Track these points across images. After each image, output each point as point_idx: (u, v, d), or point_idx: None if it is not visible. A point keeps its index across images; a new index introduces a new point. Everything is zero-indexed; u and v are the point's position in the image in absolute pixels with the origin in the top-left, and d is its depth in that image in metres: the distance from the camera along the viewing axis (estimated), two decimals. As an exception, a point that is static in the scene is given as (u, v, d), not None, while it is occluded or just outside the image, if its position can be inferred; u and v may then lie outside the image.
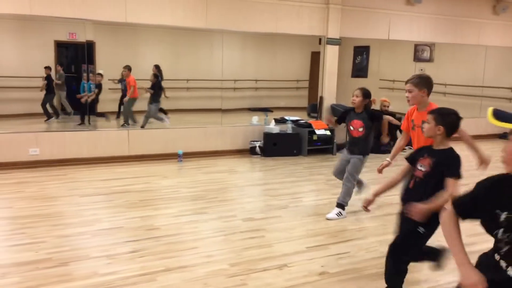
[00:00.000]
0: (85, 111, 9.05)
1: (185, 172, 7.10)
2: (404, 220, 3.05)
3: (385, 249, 4.10)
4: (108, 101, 9.49)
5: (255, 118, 8.91)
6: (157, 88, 9.04)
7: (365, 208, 3.32)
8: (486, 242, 1.89)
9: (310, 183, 6.67)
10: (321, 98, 9.07)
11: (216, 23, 7.84)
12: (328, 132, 8.58)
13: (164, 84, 9.29)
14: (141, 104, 9.02)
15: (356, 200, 5.51)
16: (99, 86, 9.13)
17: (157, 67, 9.66)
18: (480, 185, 1.89)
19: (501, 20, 10.60)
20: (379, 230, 4.65)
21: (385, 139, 5.41)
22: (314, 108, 9.57)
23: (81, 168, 6.94)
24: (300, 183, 6.58)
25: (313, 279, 3.51)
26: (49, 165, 6.94)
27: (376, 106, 8.07)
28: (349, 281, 3.52)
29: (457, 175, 2.82)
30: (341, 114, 5.25)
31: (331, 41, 8.80)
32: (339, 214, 4.96)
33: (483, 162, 3.64)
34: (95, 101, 9.22)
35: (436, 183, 2.88)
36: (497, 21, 10.58)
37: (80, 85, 9.59)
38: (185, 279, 3.46)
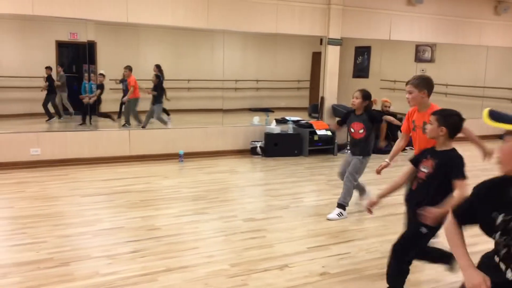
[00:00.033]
0: (86, 111, 9.06)
1: (186, 172, 7.10)
2: (408, 221, 3.06)
3: (386, 250, 4.11)
4: (109, 101, 9.48)
5: (256, 118, 8.91)
6: (159, 89, 9.05)
7: (369, 210, 3.31)
8: (488, 243, 1.89)
9: (311, 183, 6.67)
10: (322, 98, 9.07)
11: (217, 23, 7.85)
12: (329, 133, 8.57)
13: (165, 84, 9.28)
14: (145, 104, 9.03)
15: (357, 200, 5.52)
16: (101, 87, 9.13)
17: (158, 67, 9.66)
18: (476, 189, 1.91)
19: (503, 20, 10.59)
20: (380, 231, 4.65)
21: (382, 143, 5.43)
22: (315, 109, 9.57)
23: (82, 168, 6.95)
24: (301, 184, 6.58)
25: (314, 280, 3.51)
26: (50, 165, 6.95)
27: (377, 107, 8.06)
28: (350, 281, 3.52)
29: (461, 176, 2.82)
30: (343, 117, 5.28)
31: (332, 42, 8.80)
32: (340, 214, 4.96)
33: (487, 154, 3.73)
34: (98, 101, 9.22)
35: (438, 184, 2.89)
36: (499, 21, 10.57)
37: (81, 85, 9.60)
38: (186, 279, 3.46)
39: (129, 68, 8.95)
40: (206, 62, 11.04)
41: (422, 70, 11.10)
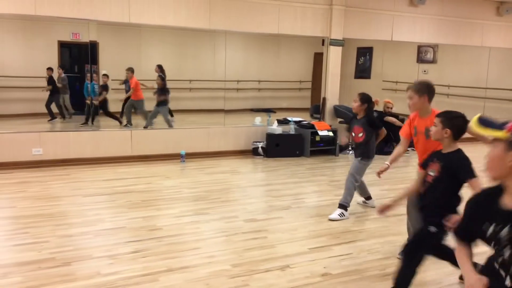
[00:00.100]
0: (89, 111, 9.10)
1: (188, 173, 7.11)
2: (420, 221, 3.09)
3: (387, 251, 4.12)
4: (110, 101, 9.48)
5: (258, 119, 8.91)
6: (164, 90, 9.06)
7: (381, 212, 3.31)
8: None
9: (312, 184, 6.67)
10: (324, 99, 9.07)
11: (219, 23, 7.85)
12: (330, 133, 8.57)
13: (167, 84, 9.29)
14: (150, 104, 9.07)
15: (359, 201, 5.53)
16: (106, 87, 9.14)
17: (160, 67, 9.68)
18: (467, 205, 1.98)
19: (505, 21, 10.57)
20: (381, 232, 4.64)
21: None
22: (317, 109, 9.57)
23: (84, 168, 6.96)
24: (303, 184, 6.57)
25: (315, 280, 3.51)
26: (52, 165, 6.96)
27: (379, 108, 8.06)
28: (351, 282, 3.51)
29: (471, 175, 2.84)
30: (349, 123, 5.37)
31: (334, 42, 8.80)
32: (341, 214, 4.96)
33: None
34: (105, 101, 9.24)
35: (445, 187, 2.91)
36: (501, 22, 10.55)
37: (83, 86, 9.61)
38: (187, 279, 3.46)
39: (131, 70, 9.04)
40: (208, 62, 11.05)
41: (424, 71, 11.10)
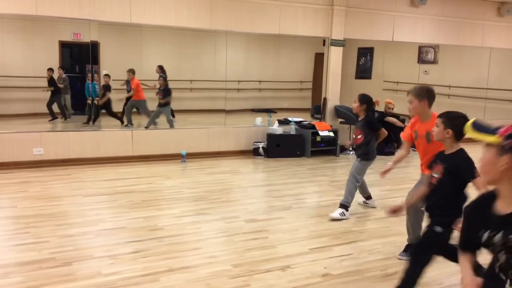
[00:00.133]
0: (91, 111, 9.11)
1: (188, 173, 7.11)
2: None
3: (388, 251, 4.12)
4: (112, 101, 9.48)
5: (259, 119, 8.91)
6: (166, 91, 9.07)
7: (393, 213, 3.31)
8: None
9: (313, 184, 6.66)
10: (325, 99, 9.06)
11: (220, 24, 7.85)
12: (331, 134, 8.57)
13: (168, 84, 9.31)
14: (152, 104, 9.08)
15: (359, 202, 5.52)
16: (108, 87, 9.15)
17: (161, 68, 9.68)
18: (464, 213, 2.02)
19: (506, 22, 10.57)
20: (382, 232, 4.64)
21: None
22: (317, 110, 9.56)
23: (85, 168, 6.96)
24: (303, 184, 6.57)
25: (316, 281, 3.51)
26: (53, 165, 6.96)
27: (380, 108, 8.05)
28: (352, 283, 3.51)
29: (474, 175, 2.84)
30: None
31: (335, 43, 8.79)
32: (342, 214, 4.96)
33: None
34: (109, 101, 9.25)
35: (449, 188, 2.93)
36: (502, 23, 10.54)
37: (84, 85, 9.62)
38: (188, 279, 3.46)
39: (132, 72, 9.07)
40: (209, 62, 11.05)
41: (425, 72, 11.09)
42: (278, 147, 8.26)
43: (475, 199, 1.97)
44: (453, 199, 2.92)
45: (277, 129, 8.47)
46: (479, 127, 1.81)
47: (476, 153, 3.02)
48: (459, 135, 2.92)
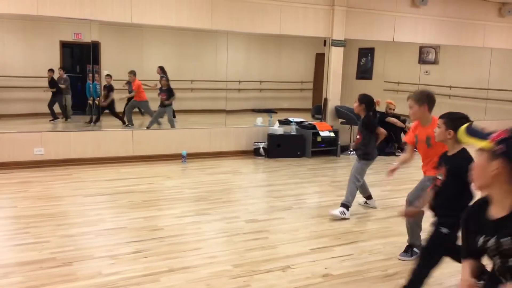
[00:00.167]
0: (92, 111, 9.11)
1: (189, 173, 7.11)
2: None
3: (388, 252, 4.12)
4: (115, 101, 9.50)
5: (259, 119, 8.91)
6: (171, 91, 9.07)
7: (409, 215, 3.31)
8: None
9: (313, 184, 6.66)
10: (326, 99, 9.06)
11: (221, 24, 7.85)
12: (332, 134, 8.56)
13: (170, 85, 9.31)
14: (154, 104, 9.09)
15: (360, 202, 5.52)
16: (111, 88, 9.15)
17: (161, 68, 9.69)
18: (461, 220, 2.05)
19: (507, 22, 10.56)
20: (382, 233, 4.64)
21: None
22: (318, 110, 9.56)
23: (85, 168, 6.96)
24: (304, 185, 6.57)
25: (317, 281, 3.50)
26: (54, 165, 6.96)
27: (381, 108, 8.05)
28: (352, 283, 3.51)
29: None
30: None
31: (336, 43, 8.79)
32: (343, 213, 4.96)
33: None
34: (112, 101, 9.26)
35: (453, 189, 2.93)
36: (503, 23, 10.54)
37: (85, 86, 9.62)
38: (189, 279, 3.46)
39: (133, 73, 9.10)
40: (209, 63, 11.06)
41: (426, 72, 11.09)
42: (279, 148, 8.26)
43: (471, 206, 2.01)
44: (458, 199, 2.92)
45: (277, 129, 8.47)
46: (472, 132, 1.86)
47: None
48: None
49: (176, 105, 9.54)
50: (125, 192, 5.77)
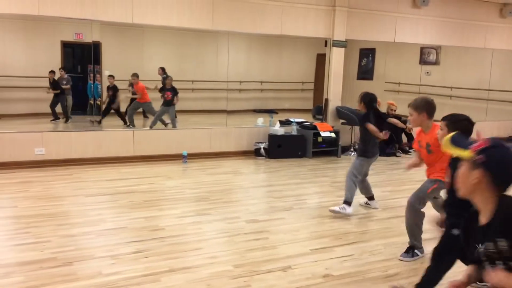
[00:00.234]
0: (92, 112, 9.12)
1: (190, 173, 7.11)
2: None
3: (389, 252, 4.12)
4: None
5: (260, 120, 8.91)
6: (175, 90, 9.08)
7: (440, 224, 3.31)
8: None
9: (314, 185, 6.66)
10: (327, 100, 9.06)
11: (222, 24, 7.85)
12: (333, 135, 8.56)
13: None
14: (156, 104, 9.10)
15: (361, 203, 5.52)
16: (115, 88, 9.14)
17: (162, 69, 9.69)
18: (460, 228, 2.12)
19: (508, 23, 10.55)
20: (383, 233, 4.63)
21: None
22: (319, 110, 9.56)
23: (86, 168, 6.96)
24: (305, 185, 6.57)
25: (317, 282, 3.50)
26: (55, 165, 6.97)
27: (382, 109, 8.04)
28: (353, 284, 3.51)
29: None
30: None
31: (337, 43, 8.79)
32: (343, 208, 4.97)
33: None
34: (115, 102, 9.27)
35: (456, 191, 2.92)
36: (504, 24, 10.53)
37: (86, 86, 9.62)
38: (189, 280, 3.46)
39: (136, 76, 9.09)
40: (210, 63, 11.06)
41: (427, 73, 11.08)
42: (280, 148, 8.25)
43: (468, 215, 2.04)
44: (466, 200, 2.91)
45: (278, 129, 8.47)
46: (455, 142, 1.93)
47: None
48: None
49: (177, 105, 9.55)
50: (126, 192, 5.77)
